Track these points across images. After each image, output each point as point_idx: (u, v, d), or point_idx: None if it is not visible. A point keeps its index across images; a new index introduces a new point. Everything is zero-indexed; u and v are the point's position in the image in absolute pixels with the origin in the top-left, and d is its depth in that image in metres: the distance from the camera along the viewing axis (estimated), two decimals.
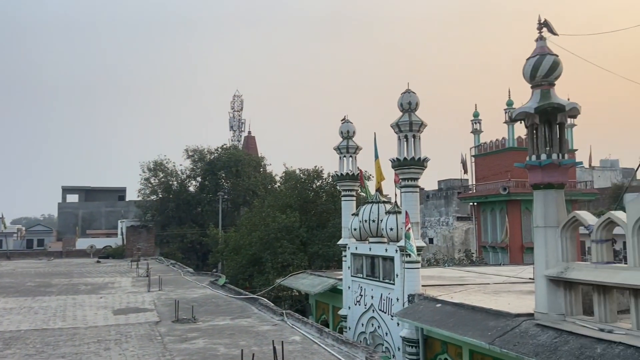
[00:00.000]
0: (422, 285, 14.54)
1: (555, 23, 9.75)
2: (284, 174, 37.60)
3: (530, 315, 9.99)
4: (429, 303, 13.17)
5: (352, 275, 18.05)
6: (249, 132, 79.94)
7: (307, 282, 21.31)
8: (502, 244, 33.59)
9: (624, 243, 8.68)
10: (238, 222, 38.14)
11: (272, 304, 16.05)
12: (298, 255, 28.95)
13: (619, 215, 8.54)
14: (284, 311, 14.49)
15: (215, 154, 53.18)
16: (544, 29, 9.84)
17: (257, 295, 18.28)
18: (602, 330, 8.45)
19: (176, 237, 47.75)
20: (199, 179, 52.92)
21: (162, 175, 51.56)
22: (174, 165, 52.41)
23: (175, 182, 52.14)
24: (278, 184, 41.81)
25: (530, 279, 14.78)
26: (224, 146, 56.20)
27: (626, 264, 8.49)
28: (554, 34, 9.77)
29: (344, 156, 19.50)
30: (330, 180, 32.31)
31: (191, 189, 53.15)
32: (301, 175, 34.22)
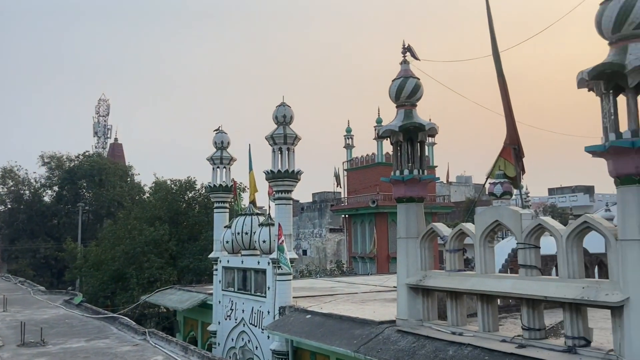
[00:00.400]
0: (294, 297, 14.63)
1: (420, 49, 10.49)
2: (154, 184, 35.81)
3: (393, 322, 10.50)
4: (299, 314, 13.27)
5: (223, 290, 17.61)
6: (116, 139, 75.11)
7: (175, 298, 20.36)
8: (371, 254, 35.29)
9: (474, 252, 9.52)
10: (100, 235, 35.39)
11: (134, 323, 15.06)
12: (166, 269, 27.63)
13: (469, 226, 9.35)
14: (147, 330, 13.64)
15: (76, 162, 49.12)
16: (408, 54, 10.55)
17: (118, 314, 17.01)
18: (454, 333, 9.14)
19: (27, 252, 43.06)
20: (55, 188, 48.32)
21: (11, 183, 46.43)
22: (26, 173, 47.50)
23: (27, 192, 47.14)
24: (147, 194, 39.63)
25: (394, 287, 15.60)
26: (87, 153, 52.14)
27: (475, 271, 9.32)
28: (416, 58, 10.51)
29: (218, 167, 19.08)
30: (203, 191, 31.43)
31: (46, 199, 48.43)
32: (172, 185, 32.84)
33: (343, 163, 41.16)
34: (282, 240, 13.64)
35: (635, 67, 6.53)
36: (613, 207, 16.29)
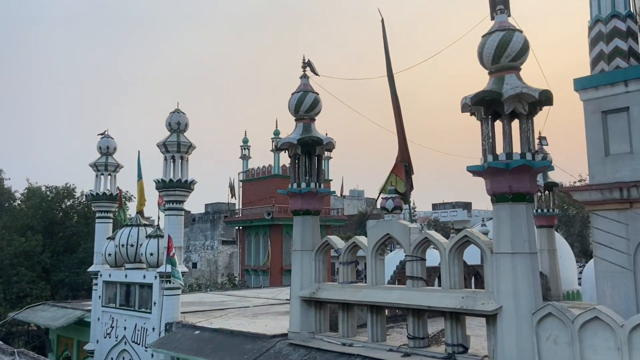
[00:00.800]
0: (182, 312, 14.02)
1: (320, 64, 10.71)
2: (26, 190, 32.62)
3: (285, 335, 10.45)
4: (187, 331, 12.73)
5: (103, 305, 16.40)
6: None
7: (48, 315, 18.59)
8: (264, 267, 35.06)
9: (365, 264, 9.82)
10: None
11: (1, 342, 13.48)
12: (39, 284, 25.29)
13: (362, 239, 9.65)
14: (15, 349, 12.28)
15: None
16: (307, 68, 10.73)
17: None
18: (344, 344, 9.32)
19: None
20: None
21: None
22: None
23: None
24: (18, 201, 35.98)
25: (286, 300, 15.60)
26: None
27: (366, 282, 9.61)
28: (316, 74, 10.73)
29: (102, 174, 17.87)
30: (83, 199, 29.24)
31: None
32: (48, 192, 30.17)
33: (239, 174, 40.67)
34: (173, 253, 13.05)
35: (511, 95, 7.21)
36: (488, 222, 17.79)
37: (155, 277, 13.97)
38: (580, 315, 6.86)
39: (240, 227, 40.03)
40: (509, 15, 7.70)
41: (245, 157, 40.89)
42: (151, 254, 14.55)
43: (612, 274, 9.12)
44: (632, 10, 10.43)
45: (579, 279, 18.50)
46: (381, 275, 9.37)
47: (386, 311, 9.60)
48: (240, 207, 40.17)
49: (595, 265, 9.65)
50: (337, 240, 10.26)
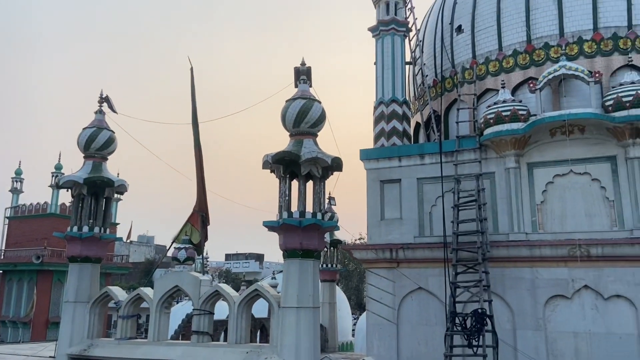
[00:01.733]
0: None
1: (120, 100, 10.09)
2: None
3: None
4: None
5: None
6: None
7: None
8: (26, 319, 30.18)
9: (147, 316, 9.16)
10: None
11: None
12: None
13: (147, 291, 9.03)
14: None
15: None
16: (105, 104, 10.04)
17: None
18: None
19: None
20: None
21: None
22: None
23: None
24: None
25: (51, 357, 13.58)
26: None
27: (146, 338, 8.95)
28: (114, 111, 10.09)
29: None
30: None
31: None
32: None
33: (6, 209, 35.01)
34: None
35: (307, 159, 7.78)
36: (278, 275, 18.39)
37: None
38: None
39: (2, 271, 34.05)
40: (311, 86, 8.43)
41: (16, 191, 35.51)
42: None
43: (380, 326, 10.20)
44: (407, 98, 12.39)
45: (353, 330, 20.16)
46: (165, 330, 8.86)
47: None
48: (3, 248, 34.35)
49: (367, 319, 10.68)
50: (118, 292, 9.45)
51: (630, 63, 10.02)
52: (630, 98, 8.99)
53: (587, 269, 9.06)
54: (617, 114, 9.06)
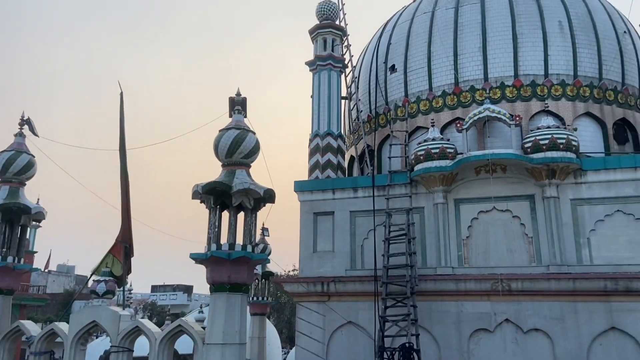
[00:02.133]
0: None
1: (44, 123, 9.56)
2: None
3: None
4: None
5: None
6: None
7: None
8: None
9: (63, 351, 8.52)
10: None
11: None
12: None
13: (62, 327, 8.42)
14: None
15: None
16: (25, 126, 9.50)
17: None
18: None
19: None
20: None
21: None
22: None
23: None
24: None
25: None
26: None
27: None
28: (35, 134, 9.55)
29: None
30: None
31: None
32: None
33: None
34: None
35: (239, 190, 7.65)
36: (206, 308, 17.77)
37: None
38: None
39: None
40: (245, 117, 8.37)
41: None
42: None
43: None
44: (342, 132, 12.62)
45: None
46: None
47: None
48: None
49: (296, 354, 10.48)
50: (30, 326, 8.75)
51: (546, 109, 10.79)
52: (547, 141, 9.63)
53: (508, 302, 9.43)
54: (534, 156, 9.66)
